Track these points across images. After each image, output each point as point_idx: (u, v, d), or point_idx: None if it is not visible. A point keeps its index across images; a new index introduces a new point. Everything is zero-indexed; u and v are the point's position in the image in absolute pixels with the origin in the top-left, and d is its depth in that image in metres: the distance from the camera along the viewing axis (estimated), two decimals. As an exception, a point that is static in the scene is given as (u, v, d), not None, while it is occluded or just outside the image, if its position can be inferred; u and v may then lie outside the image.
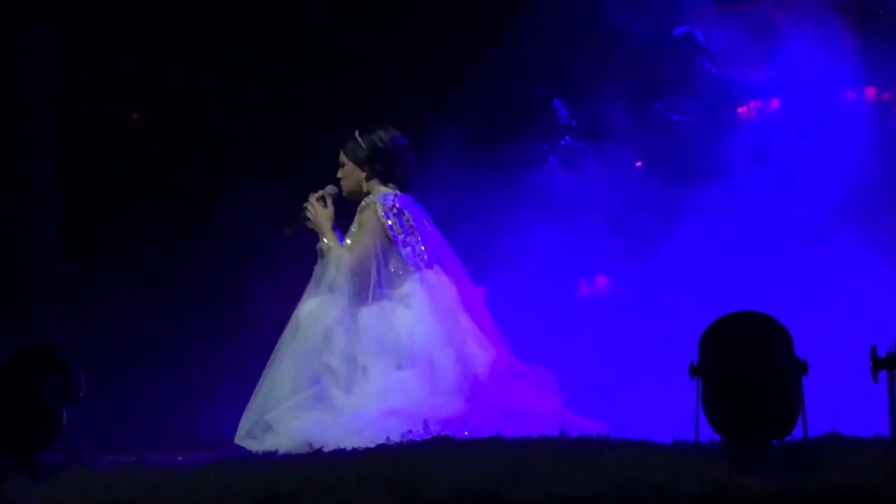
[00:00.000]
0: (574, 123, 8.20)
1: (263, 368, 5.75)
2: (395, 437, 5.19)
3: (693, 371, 4.25)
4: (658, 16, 8.10)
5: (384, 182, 5.99)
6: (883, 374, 4.07)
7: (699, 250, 7.09)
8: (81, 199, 8.44)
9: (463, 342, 5.84)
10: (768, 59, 8.57)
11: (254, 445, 5.51)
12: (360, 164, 5.98)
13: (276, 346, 5.83)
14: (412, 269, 5.92)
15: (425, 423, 5.35)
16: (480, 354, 5.83)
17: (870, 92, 8.02)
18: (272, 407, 5.67)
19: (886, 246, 6.82)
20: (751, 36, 8.57)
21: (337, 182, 6.03)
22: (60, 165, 8.44)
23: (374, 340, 5.78)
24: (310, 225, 6.01)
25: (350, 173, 6.02)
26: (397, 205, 5.94)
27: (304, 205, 6.04)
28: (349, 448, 4.91)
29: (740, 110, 8.40)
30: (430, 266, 5.97)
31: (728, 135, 7.88)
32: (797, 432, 4.20)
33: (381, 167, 5.99)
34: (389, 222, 5.90)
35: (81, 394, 4.82)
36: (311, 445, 5.15)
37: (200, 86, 8.60)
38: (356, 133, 6.01)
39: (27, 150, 8.47)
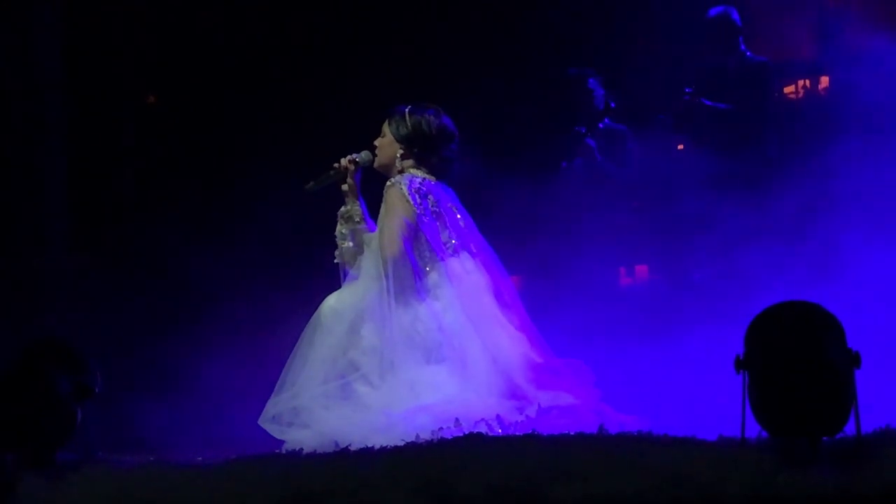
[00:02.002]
0: (613, 104, 8.22)
1: (283, 363, 5.74)
2: (426, 436, 5.18)
3: (739, 365, 4.24)
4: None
5: (418, 165, 5.96)
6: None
7: (744, 238, 7.07)
8: (92, 188, 8.54)
9: (494, 335, 5.80)
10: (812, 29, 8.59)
11: (278, 432, 5.53)
12: (399, 140, 5.95)
13: (303, 336, 5.80)
14: (437, 256, 5.90)
15: (457, 420, 5.32)
16: (513, 347, 5.79)
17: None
18: (300, 394, 5.65)
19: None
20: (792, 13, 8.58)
21: (373, 150, 6.00)
22: (71, 155, 8.51)
23: (402, 333, 5.74)
24: (341, 183, 5.98)
25: (387, 146, 5.99)
26: (423, 188, 5.90)
27: (335, 164, 6.00)
28: (377, 447, 4.90)
29: (787, 90, 8.39)
30: (456, 253, 5.94)
31: (768, 120, 7.91)
32: (849, 429, 4.18)
33: (420, 150, 5.95)
34: (415, 202, 5.87)
35: (97, 390, 4.84)
36: (337, 444, 5.14)
37: (210, 74, 8.67)
38: (406, 110, 5.98)
39: (37, 137, 8.53)
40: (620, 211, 7.41)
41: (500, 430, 5.30)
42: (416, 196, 5.86)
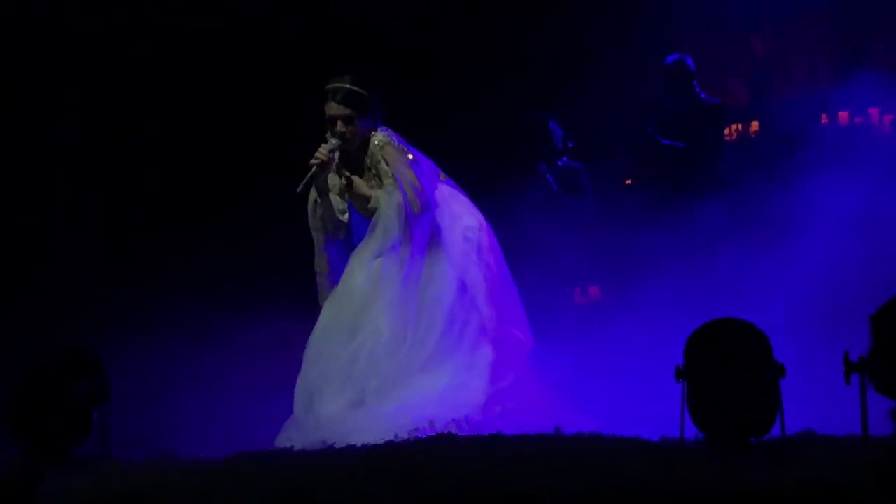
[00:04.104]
0: (571, 144, 8.20)
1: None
2: (403, 434, 5.12)
3: (679, 374, 4.25)
4: (653, 43, 8.13)
5: (381, 128, 5.66)
6: (855, 378, 4.07)
7: (686, 262, 7.10)
8: (111, 202, 8.36)
9: (477, 341, 5.62)
10: (752, 84, 8.63)
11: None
12: (371, 110, 5.59)
13: (319, 324, 5.62)
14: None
15: (431, 421, 5.27)
16: (493, 355, 5.61)
17: (843, 116, 8.08)
18: (318, 396, 5.48)
19: (860, 261, 6.83)
20: (736, 62, 8.61)
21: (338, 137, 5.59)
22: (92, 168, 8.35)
23: (395, 332, 5.54)
24: (324, 173, 5.63)
25: (357, 125, 5.55)
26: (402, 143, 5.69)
27: (311, 161, 5.54)
28: (359, 444, 4.92)
29: (725, 132, 8.45)
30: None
31: (715, 155, 7.93)
32: (775, 431, 4.21)
33: (383, 113, 5.68)
34: (410, 155, 5.64)
35: (110, 394, 4.82)
36: (324, 442, 5.11)
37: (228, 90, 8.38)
38: (349, 83, 5.56)
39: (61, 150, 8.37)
40: (575, 237, 7.41)
41: (468, 430, 5.23)
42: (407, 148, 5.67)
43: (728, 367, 4.20)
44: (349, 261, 5.70)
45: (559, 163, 8.12)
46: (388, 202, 5.54)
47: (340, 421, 5.36)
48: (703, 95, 8.02)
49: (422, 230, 5.60)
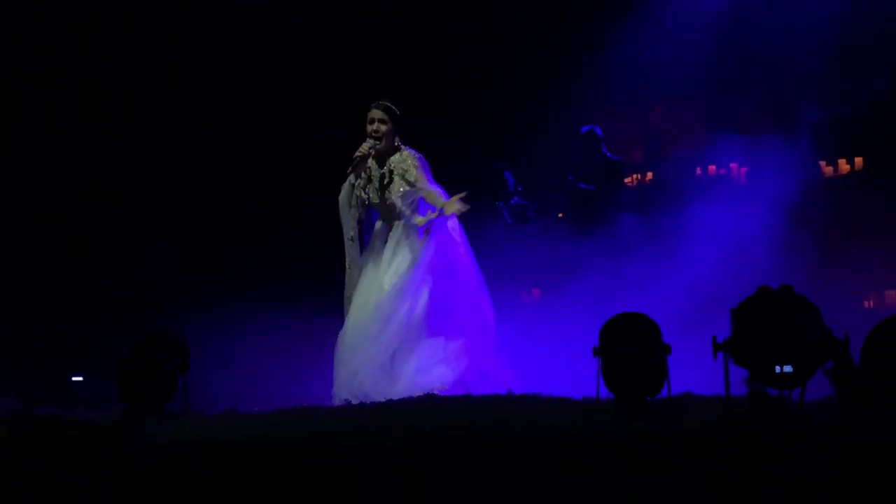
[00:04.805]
0: (520, 188, 8.18)
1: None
2: (397, 396, 5.00)
3: (596, 352, 4.25)
4: (575, 117, 8.17)
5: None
6: (720, 354, 4.08)
7: (601, 272, 7.10)
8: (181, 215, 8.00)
9: (466, 321, 5.38)
10: (646, 147, 8.66)
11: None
12: (398, 125, 5.40)
13: (357, 303, 5.32)
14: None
15: (430, 388, 5.09)
16: (473, 333, 5.40)
17: (711, 168, 8.12)
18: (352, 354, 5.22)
19: (726, 269, 6.81)
20: (634, 131, 8.64)
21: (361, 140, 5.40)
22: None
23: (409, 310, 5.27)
24: (364, 163, 5.38)
25: (391, 132, 5.37)
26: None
27: (356, 154, 5.36)
28: (368, 402, 4.87)
29: (627, 181, 8.46)
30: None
31: (617, 196, 7.97)
32: (664, 393, 4.20)
33: (402, 129, 5.47)
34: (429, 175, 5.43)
35: (190, 366, 4.81)
36: (348, 401, 5.00)
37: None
38: (388, 102, 5.42)
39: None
40: (524, 255, 7.41)
41: (445, 392, 5.12)
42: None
43: (630, 347, 4.19)
44: (386, 244, 5.43)
45: (512, 201, 8.10)
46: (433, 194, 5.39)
47: (366, 375, 5.18)
48: (608, 154, 7.98)
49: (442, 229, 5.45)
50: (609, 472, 3.20)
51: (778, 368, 3.85)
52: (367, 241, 5.52)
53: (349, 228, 5.46)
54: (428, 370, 5.21)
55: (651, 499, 2.77)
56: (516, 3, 8.29)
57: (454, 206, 5.25)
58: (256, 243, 7.96)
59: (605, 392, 4.23)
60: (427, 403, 4.72)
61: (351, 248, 5.46)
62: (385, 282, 5.30)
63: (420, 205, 5.43)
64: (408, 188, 5.36)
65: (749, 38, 8.17)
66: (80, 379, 6.97)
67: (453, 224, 5.42)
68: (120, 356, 4.78)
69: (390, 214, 5.43)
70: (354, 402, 5.00)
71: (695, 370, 4.49)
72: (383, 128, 5.35)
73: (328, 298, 5.78)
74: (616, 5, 8.19)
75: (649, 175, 8.70)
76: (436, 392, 5.06)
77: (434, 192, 5.35)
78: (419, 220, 5.38)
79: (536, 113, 8.30)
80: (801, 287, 4.00)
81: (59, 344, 7.53)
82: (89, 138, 7.90)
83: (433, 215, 5.33)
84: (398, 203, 5.37)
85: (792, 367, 3.85)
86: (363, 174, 5.44)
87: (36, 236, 7.85)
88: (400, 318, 5.21)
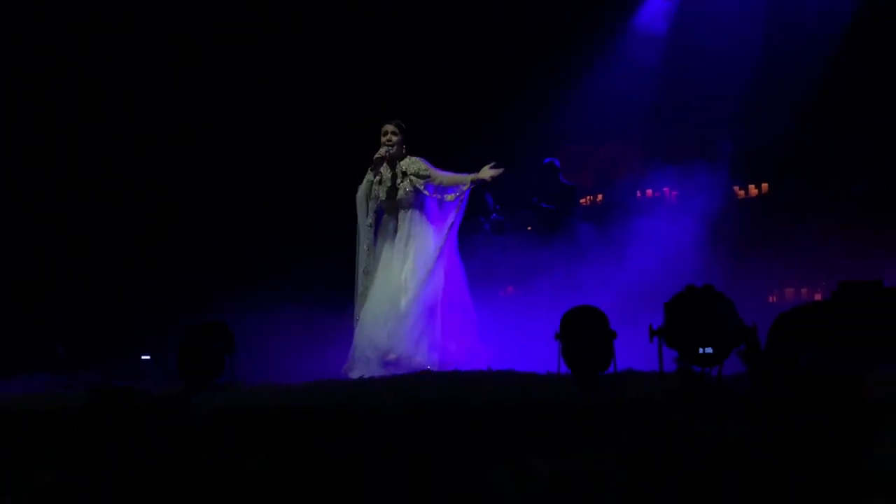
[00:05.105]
0: (498, 207, 8.21)
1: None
2: (400, 372, 4.99)
3: (557, 336, 4.24)
4: (540, 151, 8.17)
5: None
6: (656, 339, 4.11)
7: (563, 273, 7.13)
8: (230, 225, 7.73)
9: (458, 307, 5.30)
10: (596, 174, 8.66)
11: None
12: (405, 136, 5.45)
13: (378, 282, 5.19)
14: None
15: (419, 365, 5.11)
16: (462, 321, 5.32)
17: (648, 192, 8.17)
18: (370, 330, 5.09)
19: (662, 269, 6.83)
20: (586, 161, 8.65)
21: (376, 147, 5.39)
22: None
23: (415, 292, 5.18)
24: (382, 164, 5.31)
25: (400, 141, 5.41)
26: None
27: (375, 156, 5.40)
28: (377, 376, 4.85)
29: (582, 201, 8.47)
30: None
31: (573, 214, 8.00)
32: (611, 369, 4.20)
33: (406, 139, 5.48)
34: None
35: (235, 348, 4.80)
36: (362, 376, 4.95)
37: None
38: (398, 119, 5.45)
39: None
40: (502, 260, 7.42)
41: (438, 369, 5.12)
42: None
43: (584, 333, 4.18)
44: (400, 228, 5.35)
45: (491, 217, 8.14)
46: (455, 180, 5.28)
47: (393, 348, 5.10)
48: (564, 181, 8.00)
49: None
50: (569, 433, 3.19)
51: (701, 350, 3.87)
52: (376, 229, 5.51)
53: (367, 216, 5.47)
54: (441, 348, 5.18)
55: (602, 452, 2.78)
56: (489, 59, 8.16)
57: (488, 171, 5.17)
58: (281, 244, 7.84)
59: (564, 369, 4.21)
60: (426, 378, 4.72)
61: (368, 232, 5.46)
62: (406, 268, 5.26)
63: (427, 203, 5.43)
64: (419, 183, 5.35)
65: (680, 87, 8.25)
66: (148, 358, 6.97)
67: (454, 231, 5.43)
68: (178, 340, 4.76)
69: (395, 208, 5.46)
70: (366, 376, 4.99)
71: (636, 351, 4.49)
72: (395, 138, 5.41)
73: (344, 290, 5.75)
74: (571, 64, 8.23)
75: (600, 197, 8.78)
76: (430, 369, 5.08)
77: (450, 175, 5.38)
78: (449, 196, 5.34)
79: (509, 143, 8.29)
80: (720, 286, 4.02)
81: (131, 329, 7.50)
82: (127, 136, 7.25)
83: (465, 187, 5.26)
84: (408, 197, 5.40)
85: (712, 349, 3.87)
86: (378, 174, 5.48)
87: (96, 246, 7.57)
88: (422, 300, 5.18)
